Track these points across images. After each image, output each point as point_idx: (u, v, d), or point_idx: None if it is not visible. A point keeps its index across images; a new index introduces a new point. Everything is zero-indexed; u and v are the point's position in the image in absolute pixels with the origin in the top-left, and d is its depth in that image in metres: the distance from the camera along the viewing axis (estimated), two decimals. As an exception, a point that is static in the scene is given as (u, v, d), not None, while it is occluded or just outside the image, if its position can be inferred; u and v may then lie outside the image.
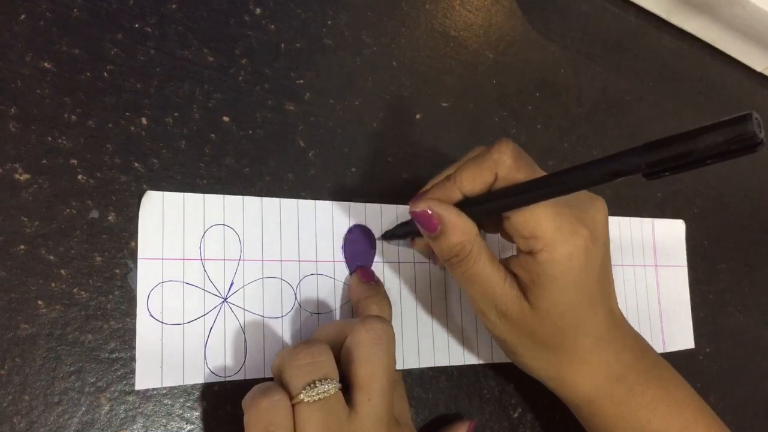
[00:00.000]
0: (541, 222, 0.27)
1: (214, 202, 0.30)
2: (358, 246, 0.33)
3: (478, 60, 0.40)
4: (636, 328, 0.32)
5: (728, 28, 0.47)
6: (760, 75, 0.52)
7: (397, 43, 0.37)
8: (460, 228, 0.28)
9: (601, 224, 0.29)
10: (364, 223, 0.34)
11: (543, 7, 0.44)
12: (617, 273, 0.41)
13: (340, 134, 0.35)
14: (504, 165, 0.27)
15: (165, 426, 0.28)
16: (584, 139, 0.43)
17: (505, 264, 0.29)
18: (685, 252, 0.45)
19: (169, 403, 0.28)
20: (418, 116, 0.37)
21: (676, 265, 0.44)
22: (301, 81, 0.34)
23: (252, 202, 0.31)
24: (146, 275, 0.28)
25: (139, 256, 0.28)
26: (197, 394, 0.29)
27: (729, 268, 0.47)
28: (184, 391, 0.28)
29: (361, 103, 0.36)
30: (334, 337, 0.27)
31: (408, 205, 0.35)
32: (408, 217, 0.32)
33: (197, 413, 0.28)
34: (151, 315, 0.28)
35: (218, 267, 0.30)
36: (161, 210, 0.29)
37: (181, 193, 0.30)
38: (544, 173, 0.28)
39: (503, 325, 0.29)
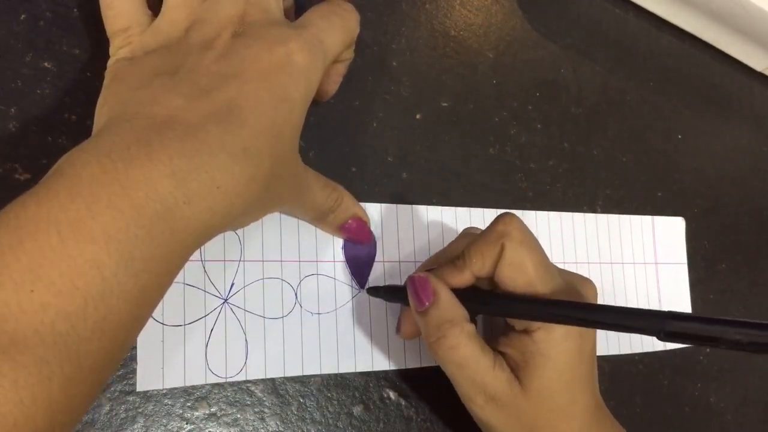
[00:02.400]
0: None
1: (214, 202, 0.30)
2: (359, 246, 0.33)
3: (478, 60, 0.40)
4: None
5: (728, 28, 0.47)
6: (760, 75, 0.52)
7: (397, 43, 0.37)
8: (453, 306, 0.28)
9: None
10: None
11: (543, 7, 0.44)
12: (618, 271, 0.41)
13: (340, 134, 0.35)
14: (510, 237, 0.28)
15: (165, 426, 0.28)
16: (584, 139, 0.43)
17: (492, 345, 0.29)
18: (685, 249, 0.45)
19: (170, 403, 0.28)
20: (418, 116, 0.37)
21: (677, 263, 0.44)
22: (302, 81, 0.34)
23: (252, 202, 0.31)
24: (146, 276, 0.28)
25: (139, 257, 0.28)
26: (197, 394, 0.29)
27: (729, 268, 0.47)
28: (185, 391, 0.28)
29: (361, 103, 0.36)
30: None
31: (405, 204, 0.35)
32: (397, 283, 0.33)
33: (197, 413, 0.28)
34: (151, 316, 0.28)
35: (218, 268, 0.30)
36: (161, 210, 0.29)
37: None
38: (545, 252, 0.29)
39: (491, 409, 0.28)
